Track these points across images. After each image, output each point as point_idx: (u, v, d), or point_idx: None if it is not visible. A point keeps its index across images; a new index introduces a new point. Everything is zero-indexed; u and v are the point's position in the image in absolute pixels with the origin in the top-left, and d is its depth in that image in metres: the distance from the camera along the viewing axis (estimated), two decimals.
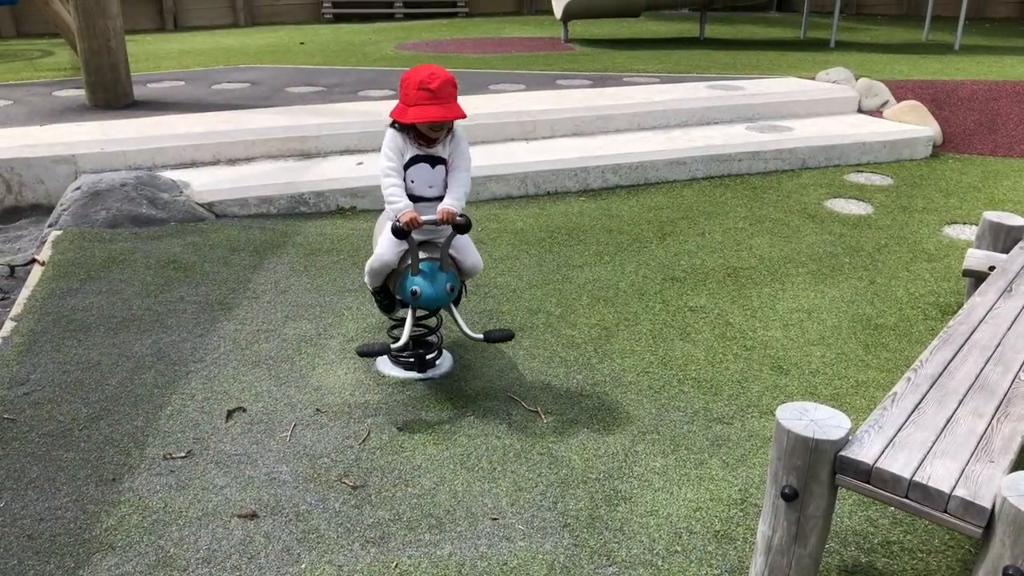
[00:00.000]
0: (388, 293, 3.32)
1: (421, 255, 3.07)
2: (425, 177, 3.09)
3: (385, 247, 3.12)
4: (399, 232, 2.97)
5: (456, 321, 3.20)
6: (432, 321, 3.41)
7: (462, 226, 3.03)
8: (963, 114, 7.25)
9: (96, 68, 6.63)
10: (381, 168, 3.06)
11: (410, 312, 3.16)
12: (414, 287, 3.04)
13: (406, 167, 3.06)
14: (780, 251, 4.68)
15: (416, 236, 3.06)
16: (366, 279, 3.29)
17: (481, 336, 3.21)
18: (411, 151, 3.05)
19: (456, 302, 3.19)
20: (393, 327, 3.44)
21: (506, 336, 3.23)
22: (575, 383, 3.32)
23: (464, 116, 2.97)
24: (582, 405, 3.16)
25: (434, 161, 3.08)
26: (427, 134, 3.02)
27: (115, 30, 6.60)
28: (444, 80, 2.91)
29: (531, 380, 3.33)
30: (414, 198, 3.08)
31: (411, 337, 3.37)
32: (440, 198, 3.10)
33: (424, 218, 3.02)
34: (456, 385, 3.30)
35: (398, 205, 3.00)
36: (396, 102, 3.04)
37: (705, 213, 5.27)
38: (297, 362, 3.44)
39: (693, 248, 4.70)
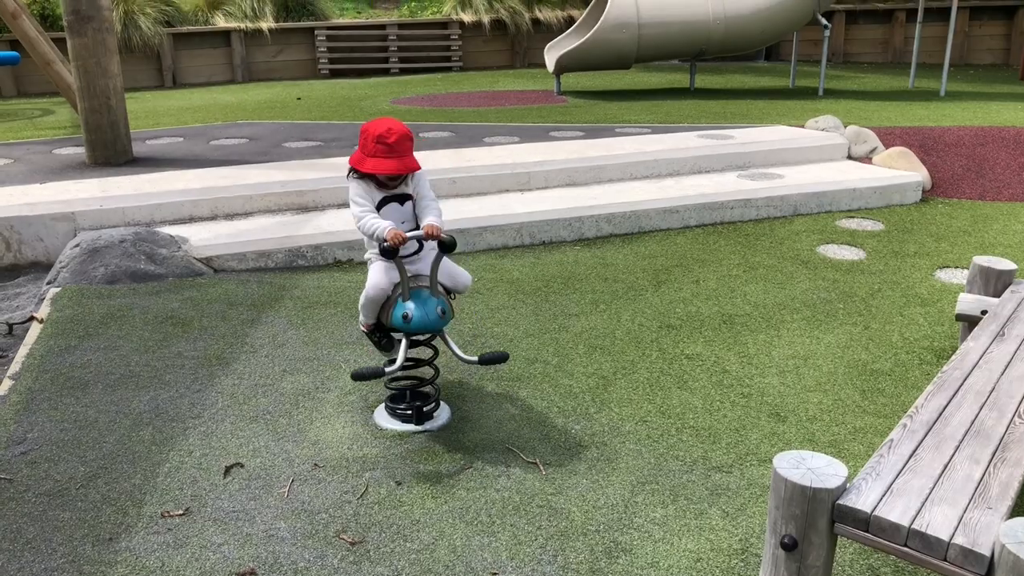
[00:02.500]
0: (384, 329, 3.40)
1: (411, 284, 3.11)
2: (396, 215, 3.25)
3: (376, 274, 3.25)
4: (387, 252, 3.02)
5: (449, 346, 3.23)
6: (426, 353, 3.41)
7: (447, 243, 3.07)
8: (951, 159, 7.36)
9: (96, 126, 6.72)
10: (354, 213, 3.18)
11: (403, 338, 3.18)
12: (405, 311, 3.07)
13: (377, 209, 3.22)
14: (774, 298, 4.71)
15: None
16: (361, 318, 3.39)
17: (476, 359, 3.23)
18: (378, 195, 3.22)
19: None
20: (391, 361, 3.45)
21: (501, 357, 3.25)
22: (573, 433, 3.32)
23: (418, 168, 3.17)
24: (581, 456, 3.16)
25: (402, 199, 3.26)
26: (385, 183, 3.21)
27: (115, 89, 6.71)
28: (401, 135, 3.09)
29: (529, 431, 3.34)
30: None
31: (408, 389, 3.39)
32: (416, 229, 3.25)
33: (409, 233, 3.11)
34: (454, 437, 3.30)
35: (380, 227, 3.09)
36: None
37: (699, 261, 5.32)
38: (295, 416, 3.44)
39: (688, 295, 4.74)
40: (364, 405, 3.52)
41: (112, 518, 2.79)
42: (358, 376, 3.09)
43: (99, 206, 5.45)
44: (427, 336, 3.35)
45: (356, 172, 3.18)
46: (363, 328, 3.48)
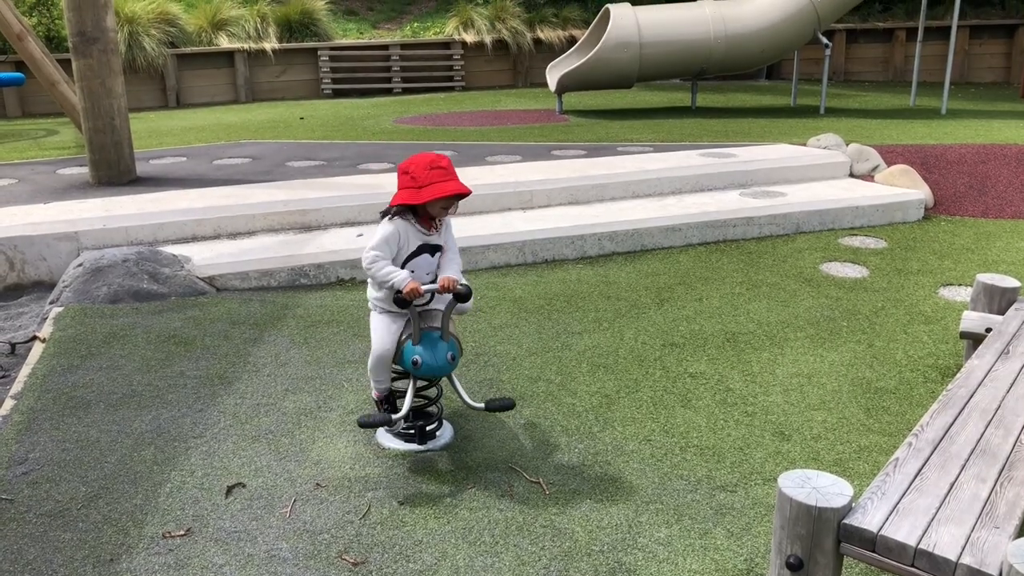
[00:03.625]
0: (392, 400, 3.32)
1: (421, 325, 3.10)
2: (425, 265, 3.17)
3: (382, 336, 3.16)
4: (401, 302, 3.01)
5: (457, 390, 3.21)
6: (432, 392, 3.41)
7: (463, 294, 3.06)
8: (953, 177, 7.37)
9: (100, 146, 6.76)
10: (369, 256, 3.06)
11: (411, 382, 3.18)
12: (415, 356, 3.06)
13: (409, 258, 3.12)
14: (778, 315, 4.70)
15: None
16: (373, 385, 3.28)
17: (482, 405, 3.22)
18: (416, 241, 3.11)
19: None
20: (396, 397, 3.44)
21: (507, 405, 3.24)
22: (577, 453, 3.30)
23: (470, 192, 3.07)
24: (584, 475, 3.14)
25: (433, 249, 3.17)
26: (437, 215, 3.10)
27: (119, 109, 6.75)
28: (448, 160, 3.06)
29: (532, 450, 3.32)
30: None
31: (411, 408, 3.37)
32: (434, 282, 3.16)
33: (425, 287, 3.07)
34: (457, 456, 3.28)
35: (398, 277, 3.02)
36: (392, 175, 3.15)
37: (702, 278, 5.31)
38: (297, 436, 3.43)
39: (691, 314, 4.73)
40: None
41: (113, 539, 2.77)
42: (365, 424, 3.08)
43: (102, 225, 5.47)
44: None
45: (399, 211, 3.06)
46: (376, 396, 3.31)
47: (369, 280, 3.20)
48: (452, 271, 3.15)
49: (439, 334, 3.10)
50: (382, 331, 3.17)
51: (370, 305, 3.28)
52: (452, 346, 3.11)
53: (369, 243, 3.09)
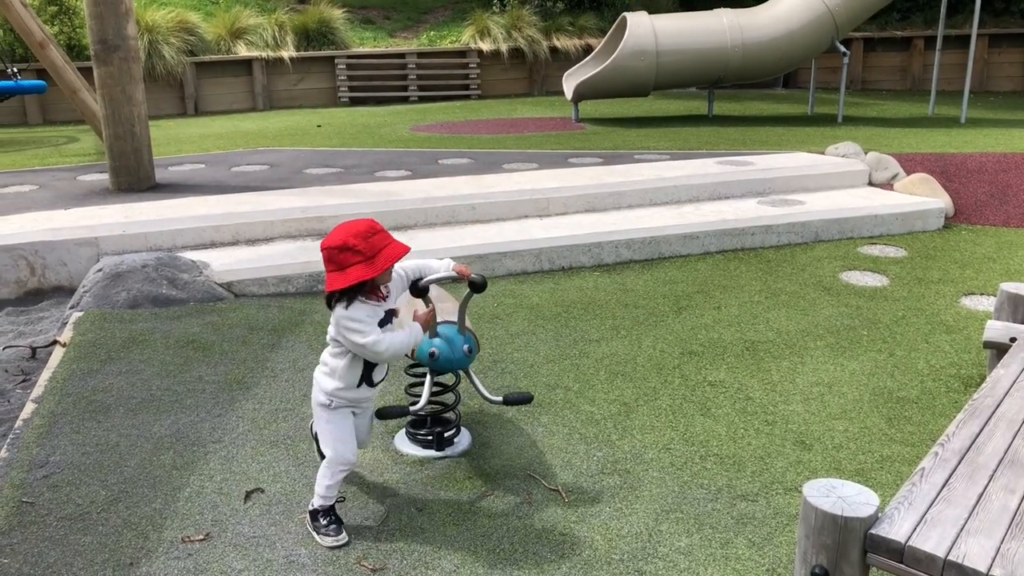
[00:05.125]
0: (335, 512, 2.85)
1: (439, 318, 3.10)
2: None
3: (346, 438, 2.82)
4: (418, 291, 2.94)
5: (474, 384, 3.21)
6: (450, 398, 3.40)
7: (477, 283, 2.96)
8: (973, 186, 7.31)
9: (120, 153, 6.81)
10: (369, 341, 2.69)
11: (428, 375, 3.17)
12: (432, 348, 3.06)
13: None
14: (797, 324, 4.67)
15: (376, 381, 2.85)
16: (320, 492, 2.79)
17: (500, 399, 3.22)
18: (381, 311, 2.78)
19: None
20: (412, 385, 3.44)
21: (525, 399, 3.23)
22: (596, 460, 3.28)
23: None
24: (603, 483, 3.12)
25: (391, 316, 2.84)
26: (384, 281, 2.78)
27: (139, 116, 6.79)
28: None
29: (551, 458, 3.30)
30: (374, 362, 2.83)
31: (429, 415, 3.37)
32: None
33: (433, 276, 2.93)
34: (475, 463, 3.27)
35: (415, 332, 2.82)
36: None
37: (720, 287, 5.28)
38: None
39: (710, 322, 4.70)
40: (384, 430, 3.50)
41: (133, 543, 2.77)
42: (383, 415, 3.09)
43: (122, 231, 5.50)
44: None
45: (351, 292, 2.70)
46: (317, 506, 2.80)
47: (320, 372, 2.83)
48: (447, 260, 2.97)
49: (456, 327, 3.10)
50: (344, 432, 2.82)
51: (323, 399, 2.81)
52: (469, 339, 3.12)
53: (357, 336, 2.70)
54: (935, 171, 7.42)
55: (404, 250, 2.71)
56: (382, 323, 2.77)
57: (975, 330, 4.55)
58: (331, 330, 2.81)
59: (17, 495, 3.03)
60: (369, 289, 2.73)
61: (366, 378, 2.83)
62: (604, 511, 2.95)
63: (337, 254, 2.65)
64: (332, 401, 2.81)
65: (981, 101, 12.78)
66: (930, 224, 6.60)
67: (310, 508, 2.84)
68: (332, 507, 2.82)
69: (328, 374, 2.82)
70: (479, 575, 2.61)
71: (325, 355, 2.87)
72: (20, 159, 8.82)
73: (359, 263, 2.64)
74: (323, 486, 2.79)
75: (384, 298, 2.80)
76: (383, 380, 2.93)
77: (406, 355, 3.30)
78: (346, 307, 2.70)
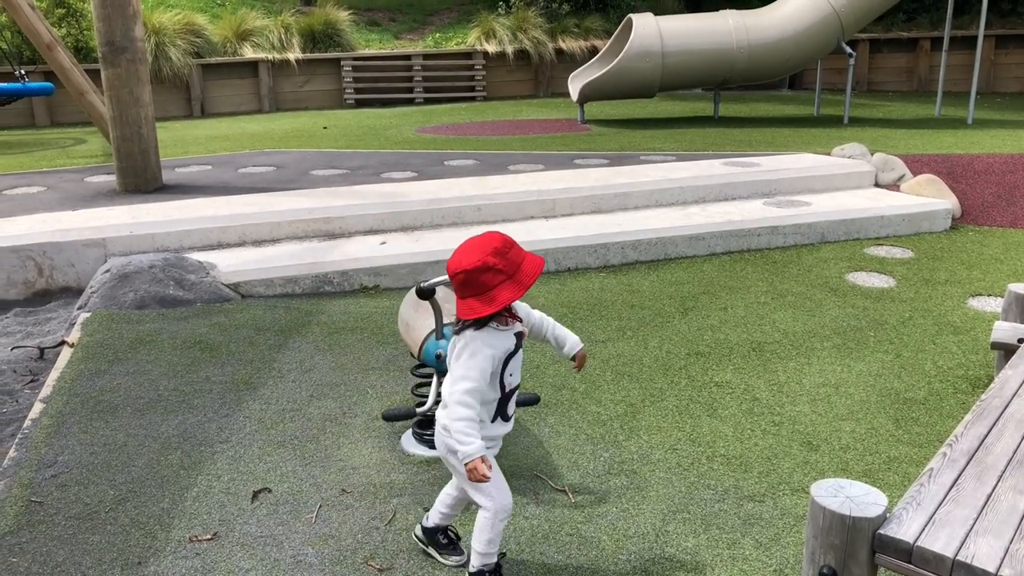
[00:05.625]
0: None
1: (446, 320, 3.10)
2: (519, 363, 2.50)
3: (499, 487, 2.46)
4: (424, 293, 2.94)
5: None
6: None
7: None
8: (980, 187, 7.29)
9: (127, 154, 6.83)
10: (463, 391, 2.32)
11: (435, 376, 3.18)
12: (439, 351, 3.06)
13: (505, 363, 2.42)
14: (804, 325, 4.66)
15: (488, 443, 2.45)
16: (481, 550, 2.47)
17: None
18: (506, 341, 2.42)
19: None
20: (418, 386, 3.44)
21: (532, 400, 3.24)
22: (602, 461, 3.28)
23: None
24: (610, 484, 3.12)
25: (521, 340, 2.49)
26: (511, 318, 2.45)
27: (146, 118, 6.82)
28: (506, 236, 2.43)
29: (557, 458, 3.30)
30: (508, 392, 2.48)
31: (435, 415, 3.37)
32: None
33: (439, 279, 2.89)
34: None
35: (471, 447, 2.29)
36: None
37: (726, 288, 5.28)
38: (322, 441, 3.43)
39: (716, 323, 4.69)
40: (391, 431, 3.51)
41: (141, 542, 2.78)
42: (390, 417, 3.09)
43: (129, 232, 5.52)
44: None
45: (481, 322, 2.36)
46: (479, 566, 2.48)
47: (457, 401, 2.35)
48: (571, 337, 2.69)
49: None
50: (497, 475, 2.46)
51: (467, 452, 2.31)
52: None
53: (456, 371, 2.36)
54: (942, 172, 7.40)
55: (541, 262, 2.38)
56: (514, 350, 2.43)
57: (982, 331, 4.54)
58: (451, 360, 2.48)
59: (26, 494, 3.04)
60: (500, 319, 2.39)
61: (500, 412, 2.47)
62: (611, 511, 2.95)
63: (477, 276, 2.29)
64: (468, 453, 2.34)
65: (988, 102, 12.74)
66: (937, 225, 6.58)
67: (470, 572, 2.49)
68: (498, 566, 2.50)
69: (458, 404, 2.38)
70: None
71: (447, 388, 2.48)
72: (28, 161, 8.86)
73: (503, 283, 2.30)
74: (483, 541, 2.44)
75: (515, 316, 2.47)
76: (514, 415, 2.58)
77: (411, 355, 3.33)
78: (471, 329, 2.37)
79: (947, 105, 11.60)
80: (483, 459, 2.29)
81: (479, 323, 2.36)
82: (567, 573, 2.62)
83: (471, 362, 2.35)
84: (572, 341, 2.70)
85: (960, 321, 4.72)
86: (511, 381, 2.46)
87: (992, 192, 7.22)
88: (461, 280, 2.32)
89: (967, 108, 10.51)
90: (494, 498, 2.43)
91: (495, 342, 2.38)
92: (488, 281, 2.29)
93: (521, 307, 2.56)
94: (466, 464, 2.29)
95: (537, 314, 2.66)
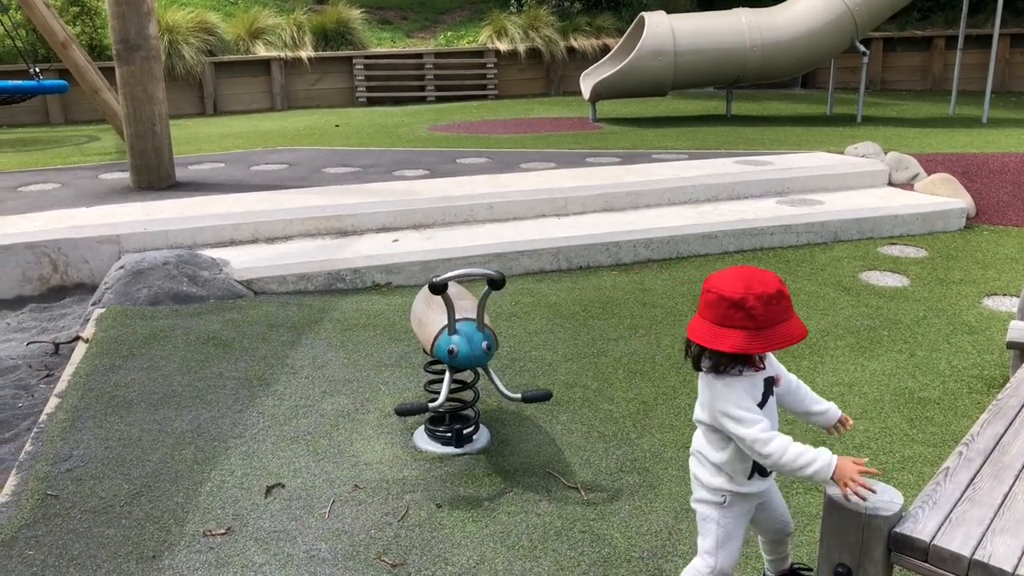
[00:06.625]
0: None
1: (458, 315, 3.11)
2: (773, 411, 2.26)
3: (732, 546, 2.24)
4: (436, 288, 2.99)
5: (493, 381, 3.21)
6: (468, 395, 3.41)
7: (496, 280, 3.09)
8: (995, 186, 7.24)
9: (141, 151, 6.86)
10: (750, 435, 2.09)
11: (448, 372, 3.18)
12: (451, 345, 3.07)
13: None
14: (817, 324, 4.64)
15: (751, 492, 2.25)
16: None
17: (519, 396, 3.22)
18: (758, 386, 2.20)
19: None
20: (431, 382, 3.45)
21: (544, 396, 3.24)
22: (615, 459, 3.28)
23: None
24: (622, 481, 3.12)
25: (772, 385, 2.26)
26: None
27: (160, 115, 6.85)
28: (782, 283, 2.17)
29: (570, 455, 3.30)
30: None
31: (448, 412, 3.38)
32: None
33: (452, 274, 3.07)
34: (494, 460, 3.27)
35: (812, 454, 2.06)
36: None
37: None
38: (335, 437, 3.44)
39: None
40: (404, 427, 3.52)
41: (155, 536, 2.80)
42: (403, 412, 3.10)
43: (143, 229, 5.55)
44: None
45: (732, 360, 2.13)
46: None
47: (697, 464, 2.25)
48: (823, 402, 2.40)
49: (475, 324, 3.11)
50: (736, 536, 2.25)
51: (710, 497, 2.23)
52: (488, 336, 3.13)
53: (732, 425, 2.11)
54: (956, 171, 7.36)
55: (803, 333, 2.11)
56: (764, 399, 2.20)
57: (998, 331, 4.51)
58: (698, 410, 2.25)
59: (42, 488, 3.06)
60: (746, 358, 2.15)
61: (758, 467, 2.21)
62: (623, 509, 2.94)
63: (726, 307, 2.07)
64: (725, 499, 2.21)
65: (1003, 101, 12.65)
66: (951, 224, 6.54)
67: None
68: None
69: (710, 470, 2.23)
70: (498, 571, 2.62)
71: (699, 442, 2.27)
72: (43, 158, 8.92)
73: (744, 330, 2.06)
74: None
75: (763, 366, 2.22)
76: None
77: (424, 351, 3.33)
78: (717, 375, 2.15)
79: (962, 104, 11.53)
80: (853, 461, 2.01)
81: (719, 362, 2.15)
82: (579, 570, 2.62)
83: (732, 407, 2.11)
84: (830, 408, 2.41)
85: (975, 321, 4.69)
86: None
87: (1007, 191, 7.17)
88: (710, 299, 2.12)
89: (982, 107, 10.44)
90: (717, 558, 2.22)
91: (748, 388, 2.16)
92: (730, 317, 2.07)
93: (774, 364, 2.29)
94: (832, 476, 2.00)
95: (794, 381, 2.37)
